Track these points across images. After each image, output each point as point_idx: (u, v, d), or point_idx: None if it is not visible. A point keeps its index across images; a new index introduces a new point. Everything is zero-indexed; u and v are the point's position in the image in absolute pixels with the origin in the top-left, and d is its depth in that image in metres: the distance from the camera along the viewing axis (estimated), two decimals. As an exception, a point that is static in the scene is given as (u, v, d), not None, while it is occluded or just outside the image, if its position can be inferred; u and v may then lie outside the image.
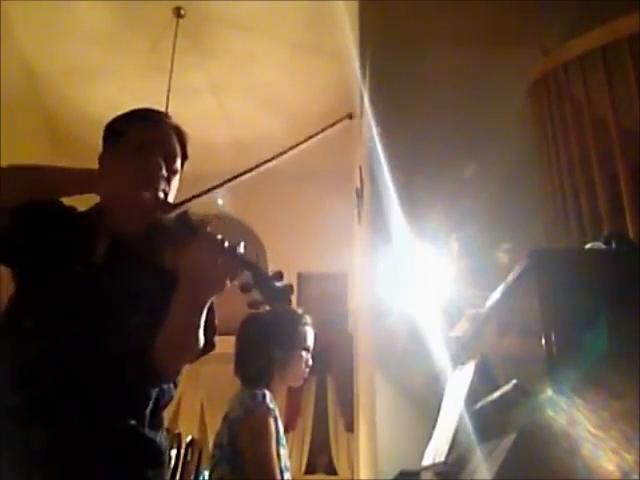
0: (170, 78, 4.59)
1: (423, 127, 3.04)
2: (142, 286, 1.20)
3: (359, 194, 4.04)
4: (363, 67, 3.41)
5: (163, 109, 4.34)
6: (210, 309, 1.23)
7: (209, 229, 1.17)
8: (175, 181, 1.33)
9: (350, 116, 1.37)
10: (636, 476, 1.02)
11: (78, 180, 1.28)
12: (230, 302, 1.18)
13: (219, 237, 1.15)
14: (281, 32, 4.77)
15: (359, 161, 4.28)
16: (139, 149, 1.28)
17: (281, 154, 1.29)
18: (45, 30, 4.81)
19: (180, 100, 4.70)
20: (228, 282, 1.14)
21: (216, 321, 1.29)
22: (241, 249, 1.15)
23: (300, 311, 2.26)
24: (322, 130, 1.28)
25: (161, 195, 1.26)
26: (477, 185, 2.89)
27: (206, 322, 1.19)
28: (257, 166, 1.32)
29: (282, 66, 5.08)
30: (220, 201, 4.47)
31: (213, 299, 1.19)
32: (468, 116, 3.03)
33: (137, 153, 1.27)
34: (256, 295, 1.12)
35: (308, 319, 2.22)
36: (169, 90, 4.58)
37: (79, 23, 4.70)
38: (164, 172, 1.28)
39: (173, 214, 1.21)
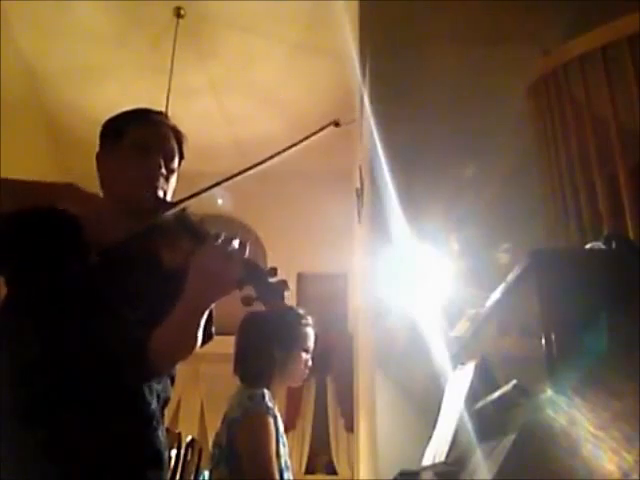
0: (170, 78, 4.59)
1: (423, 127, 3.04)
2: (139, 284, 1.20)
3: (359, 194, 4.04)
4: (363, 67, 3.40)
5: (163, 109, 4.37)
6: None
7: (217, 233, 1.16)
8: (173, 180, 1.35)
9: (336, 123, 1.36)
10: (636, 476, 1.02)
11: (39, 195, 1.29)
12: (230, 302, 1.18)
13: (227, 240, 1.14)
14: (281, 32, 4.77)
15: (359, 161, 4.28)
16: (138, 149, 1.30)
17: (277, 154, 1.29)
18: (45, 30, 4.81)
19: (180, 100, 4.70)
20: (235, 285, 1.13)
21: (213, 311, 1.28)
22: (247, 251, 1.15)
23: (301, 311, 2.25)
24: (306, 137, 1.26)
25: (160, 194, 1.28)
26: (477, 185, 2.89)
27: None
28: (255, 165, 1.33)
29: (282, 66, 5.08)
30: (220, 201, 4.46)
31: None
32: (468, 116, 3.02)
33: (136, 153, 1.29)
34: (250, 291, 1.12)
35: (309, 320, 2.21)
36: (169, 90, 4.58)
37: (79, 23, 4.70)
38: (163, 171, 1.30)
39: (172, 213, 1.22)
